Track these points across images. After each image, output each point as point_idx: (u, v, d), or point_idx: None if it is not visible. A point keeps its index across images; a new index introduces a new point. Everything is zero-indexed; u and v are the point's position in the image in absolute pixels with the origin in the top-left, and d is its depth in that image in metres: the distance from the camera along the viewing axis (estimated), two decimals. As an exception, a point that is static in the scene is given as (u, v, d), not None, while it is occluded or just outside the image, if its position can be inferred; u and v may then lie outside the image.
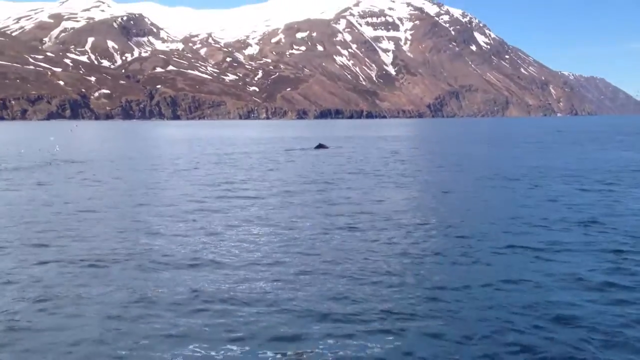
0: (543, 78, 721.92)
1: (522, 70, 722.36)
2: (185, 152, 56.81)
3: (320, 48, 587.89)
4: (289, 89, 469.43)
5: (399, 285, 12.11)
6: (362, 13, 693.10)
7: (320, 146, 59.18)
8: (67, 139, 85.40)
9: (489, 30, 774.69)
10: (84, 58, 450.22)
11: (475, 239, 16.26)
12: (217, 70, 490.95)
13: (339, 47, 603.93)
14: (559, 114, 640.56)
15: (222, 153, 53.79)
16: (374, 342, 9.17)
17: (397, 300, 11.24)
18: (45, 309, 10.72)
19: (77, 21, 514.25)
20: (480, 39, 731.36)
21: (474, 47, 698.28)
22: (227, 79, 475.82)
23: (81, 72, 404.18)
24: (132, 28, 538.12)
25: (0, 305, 10.83)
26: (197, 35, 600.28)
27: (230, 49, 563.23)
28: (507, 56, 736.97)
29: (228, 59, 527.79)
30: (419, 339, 9.16)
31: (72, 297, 11.37)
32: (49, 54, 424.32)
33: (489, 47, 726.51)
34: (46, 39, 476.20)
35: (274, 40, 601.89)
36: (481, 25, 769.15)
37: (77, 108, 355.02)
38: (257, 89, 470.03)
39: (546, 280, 12.35)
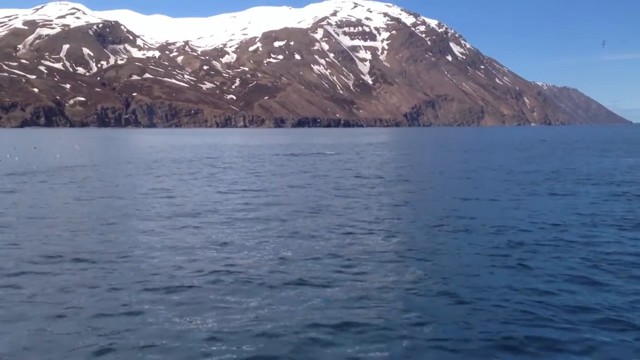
0: (517, 88, 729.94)
1: (497, 80, 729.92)
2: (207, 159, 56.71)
3: (297, 57, 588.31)
4: (266, 98, 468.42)
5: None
6: (339, 23, 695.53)
7: (319, 153, 63.35)
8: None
9: (465, 41, 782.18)
10: (58, 65, 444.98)
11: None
12: (194, 78, 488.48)
13: (316, 56, 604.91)
14: (532, 124, 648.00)
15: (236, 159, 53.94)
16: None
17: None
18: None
19: (52, 28, 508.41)
20: (456, 49, 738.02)
21: (449, 57, 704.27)
22: (204, 87, 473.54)
23: (56, 79, 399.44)
24: (107, 35, 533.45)
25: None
26: (174, 43, 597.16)
27: (207, 57, 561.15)
28: (482, 66, 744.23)
29: (205, 67, 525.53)
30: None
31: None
32: (23, 61, 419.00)
33: (464, 57, 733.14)
34: (20, 46, 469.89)
35: (251, 48, 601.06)
36: (457, 35, 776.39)
37: (52, 115, 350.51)
38: (234, 97, 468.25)
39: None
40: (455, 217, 20.38)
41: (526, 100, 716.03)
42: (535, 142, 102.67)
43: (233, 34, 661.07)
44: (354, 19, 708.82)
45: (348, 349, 8.95)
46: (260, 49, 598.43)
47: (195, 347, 9.00)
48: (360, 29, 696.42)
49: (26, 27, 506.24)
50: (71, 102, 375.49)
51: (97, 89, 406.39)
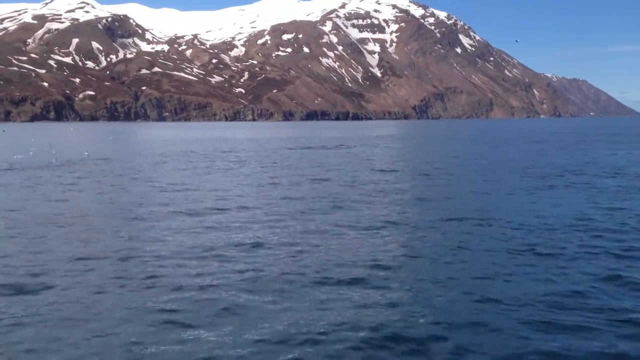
0: (527, 80, 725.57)
1: (506, 72, 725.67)
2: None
3: (306, 50, 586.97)
4: (275, 91, 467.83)
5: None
6: (347, 15, 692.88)
7: (333, 146, 65.32)
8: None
9: (474, 33, 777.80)
10: (68, 59, 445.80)
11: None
12: (203, 72, 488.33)
13: (325, 49, 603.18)
14: (542, 116, 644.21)
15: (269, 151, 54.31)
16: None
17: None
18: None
19: (61, 22, 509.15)
20: (465, 41, 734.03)
21: (458, 49, 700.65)
22: (213, 80, 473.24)
23: (65, 73, 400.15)
24: (116, 29, 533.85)
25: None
26: (182, 37, 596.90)
27: (216, 51, 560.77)
28: (491, 58, 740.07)
29: (214, 61, 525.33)
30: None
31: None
32: (33, 55, 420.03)
33: (473, 49, 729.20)
34: (30, 41, 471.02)
35: (259, 41, 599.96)
36: (466, 27, 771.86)
37: (62, 110, 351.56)
38: (243, 91, 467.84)
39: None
40: (478, 211, 20.30)
41: (535, 92, 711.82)
42: (547, 135, 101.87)
43: (242, 27, 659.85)
44: (362, 11, 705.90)
45: (378, 351, 8.89)
46: (269, 42, 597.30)
47: (227, 349, 8.93)
48: (368, 21, 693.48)
49: (35, 22, 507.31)
50: (81, 96, 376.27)
51: (107, 83, 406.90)
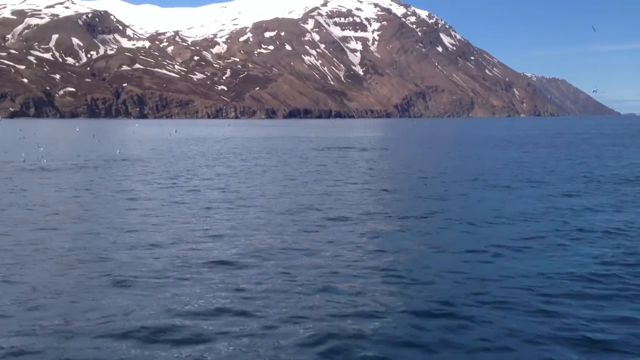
0: (507, 79, 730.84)
1: (487, 71, 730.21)
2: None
3: (288, 47, 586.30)
4: (257, 89, 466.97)
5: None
6: (330, 13, 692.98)
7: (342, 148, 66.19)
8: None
9: (455, 32, 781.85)
10: (48, 55, 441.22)
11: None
12: (185, 69, 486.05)
13: (307, 47, 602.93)
14: (522, 115, 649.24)
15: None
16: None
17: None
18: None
19: (41, 18, 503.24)
20: (446, 40, 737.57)
21: (440, 48, 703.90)
22: (195, 77, 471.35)
23: (45, 69, 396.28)
24: (97, 25, 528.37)
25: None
26: (164, 34, 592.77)
27: (197, 48, 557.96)
28: (472, 57, 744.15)
29: (195, 58, 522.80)
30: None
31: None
32: (12, 51, 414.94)
33: (454, 48, 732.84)
34: (9, 36, 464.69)
35: (242, 39, 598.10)
36: (447, 26, 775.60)
37: (42, 106, 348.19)
38: (225, 88, 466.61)
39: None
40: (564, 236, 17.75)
41: (516, 91, 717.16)
42: (553, 138, 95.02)
43: (223, 24, 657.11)
44: (344, 10, 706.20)
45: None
46: (251, 39, 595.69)
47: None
48: (350, 19, 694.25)
49: (15, 17, 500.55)
50: (61, 92, 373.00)
51: (87, 80, 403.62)
